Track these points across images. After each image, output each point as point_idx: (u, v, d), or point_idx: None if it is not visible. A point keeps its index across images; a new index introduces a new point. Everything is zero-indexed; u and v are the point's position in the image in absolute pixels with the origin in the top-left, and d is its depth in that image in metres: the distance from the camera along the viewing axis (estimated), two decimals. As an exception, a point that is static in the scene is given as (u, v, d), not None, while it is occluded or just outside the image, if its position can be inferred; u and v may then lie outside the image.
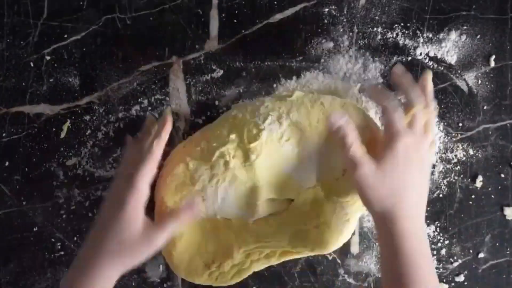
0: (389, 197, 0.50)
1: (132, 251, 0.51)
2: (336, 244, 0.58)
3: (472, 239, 0.64)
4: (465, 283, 0.64)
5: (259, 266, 0.59)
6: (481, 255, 0.64)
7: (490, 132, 0.63)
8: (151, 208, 0.58)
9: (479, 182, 0.63)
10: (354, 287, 0.64)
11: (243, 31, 0.62)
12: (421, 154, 0.52)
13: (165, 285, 0.64)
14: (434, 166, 0.63)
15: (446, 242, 0.64)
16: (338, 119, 0.51)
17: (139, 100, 0.63)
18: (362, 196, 0.52)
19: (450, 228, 0.64)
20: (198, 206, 0.56)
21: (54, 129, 0.63)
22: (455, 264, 0.64)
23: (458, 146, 0.63)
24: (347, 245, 0.62)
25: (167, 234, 0.53)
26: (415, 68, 0.63)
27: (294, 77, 0.63)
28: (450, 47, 0.63)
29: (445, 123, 0.63)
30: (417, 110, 0.52)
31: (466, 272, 0.64)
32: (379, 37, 0.63)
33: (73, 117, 0.63)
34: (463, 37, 0.63)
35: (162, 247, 0.53)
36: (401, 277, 0.49)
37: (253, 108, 0.57)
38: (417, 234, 0.51)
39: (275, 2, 0.62)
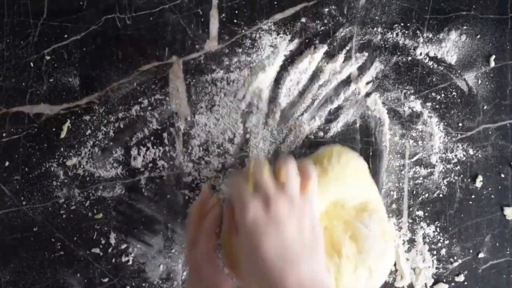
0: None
1: None
2: None
3: (472, 239, 0.64)
4: (465, 283, 0.64)
5: None
6: (481, 255, 0.64)
7: (490, 132, 0.63)
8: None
9: (479, 182, 0.63)
10: None
11: (243, 31, 0.62)
12: (279, 213, 0.46)
13: (165, 285, 0.64)
14: (434, 166, 0.63)
15: (446, 242, 0.64)
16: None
17: (139, 100, 0.63)
18: None
19: (450, 228, 0.64)
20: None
21: (54, 129, 0.63)
22: (455, 264, 0.64)
23: (458, 146, 0.63)
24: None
25: None
26: (415, 68, 0.63)
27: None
28: (450, 47, 0.63)
29: (445, 123, 0.63)
30: (252, 167, 0.49)
31: (466, 272, 0.64)
32: (379, 37, 0.63)
33: (73, 117, 0.63)
34: (463, 37, 0.63)
35: None
36: None
37: None
38: None
39: (275, 2, 0.62)
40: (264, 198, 0.46)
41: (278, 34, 0.63)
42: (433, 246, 0.64)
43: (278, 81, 0.63)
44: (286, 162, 0.49)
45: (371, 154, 0.63)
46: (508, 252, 0.64)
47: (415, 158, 0.63)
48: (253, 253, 0.45)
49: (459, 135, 0.63)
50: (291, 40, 0.63)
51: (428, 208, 0.64)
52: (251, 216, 0.45)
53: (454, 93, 0.63)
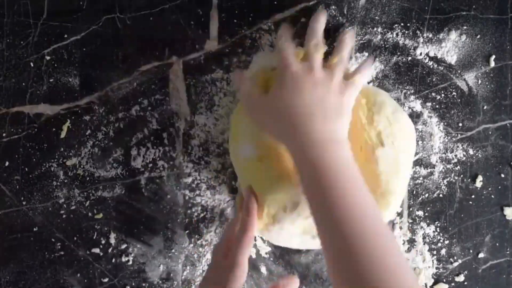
0: (282, 124, 0.50)
1: None
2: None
3: (472, 239, 0.64)
4: (465, 283, 0.64)
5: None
6: (481, 255, 0.64)
7: (490, 132, 0.63)
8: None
9: (479, 182, 0.63)
10: None
11: (243, 31, 0.62)
12: (319, 84, 0.51)
13: (165, 285, 0.64)
14: (434, 166, 0.63)
15: (446, 242, 0.64)
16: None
17: (139, 100, 0.63)
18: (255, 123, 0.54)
19: (450, 228, 0.64)
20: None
21: (54, 129, 0.63)
22: (455, 264, 0.64)
23: (458, 146, 0.63)
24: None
25: None
26: (415, 68, 0.63)
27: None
28: (450, 47, 0.63)
29: (445, 123, 0.63)
30: (309, 48, 0.53)
31: (466, 272, 0.64)
32: (379, 37, 0.63)
33: (73, 117, 0.63)
34: (463, 37, 0.63)
35: None
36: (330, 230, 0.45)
37: None
38: (334, 164, 0.47)
39: (275, 2, 0.62)
40: (309, 66, 0.52)
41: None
42: (433, 246, 0.64)
43: (278, 81, 0.63)
44: (341, 48, 0.54)
45: (371, 154, 0.63)
46: (508, 252, 0.64)
47: (415, 158, 0.63)
48: (286, 106, 0.50)
49: (459, 135, 0.63)
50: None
51: (428, 208, 0.64)
52: (293, 71, 0.51)
53: (454, 93, 0.63)
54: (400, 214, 0.64)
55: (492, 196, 0.64)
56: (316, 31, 0.55)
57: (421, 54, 0.63)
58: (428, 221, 0.64)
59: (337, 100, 0.51)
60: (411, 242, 0.64)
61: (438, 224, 0.64)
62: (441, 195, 0.64)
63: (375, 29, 0.63)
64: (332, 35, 0.63)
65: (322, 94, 0.51)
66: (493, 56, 0.63)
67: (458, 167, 0.63)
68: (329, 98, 0.51)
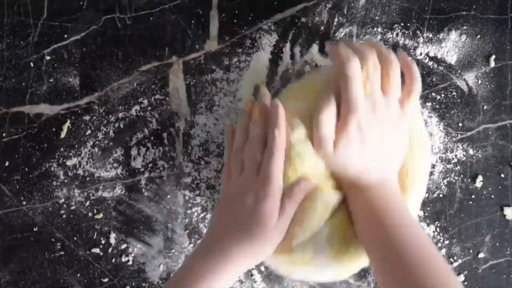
0: (352, 176, 0.49)
1: (264, 244, 0.48)
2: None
3: (472, 239, 0.64)
4: (465, 283, 0.64)
5: None
6: (481, 255, 0.64)
7: (490, 132, 0.63)
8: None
9: (479, 182, 0.63)
10: (354, 287, 0.64)
11: (243, 31, 0.62)
12: (382, 124, 0.48)
13: (165, 285, 0.64)
14: (434, 166, 0.63)
15: (446, 242, 0.64)
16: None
17: (139, 100, 0.63)
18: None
19: (450, 228, 0.64)
20: (311, 184, 0.51)
21: (54, 129, 0.63)
22: (455, 264, 0.64)
23: (458, 146, 0.63)
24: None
25: (288, 219, 0.50)
26: (415, 68, 0.63)
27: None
28: (450, 47, 0.63)
29: (445, 123, 0.63)
30: (369, 70, 0.48)
31: (466, 272, 0.64)
32: (379, 37, 0.63)
33: (73, 117, 0.63)
34: (463, 37, 0.63)
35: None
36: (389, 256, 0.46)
37: None
38: (393, 201, 0.49)
39: (275, 2, 0.62)
40: (373, 103, 0.48)
41: (278, 34, 0.63)
42: (433, 246, 0.64)
43: (278, 81, 0.63)
44: (391, 64, 0.49)
45: (371, 154, 0.63)
46: (508, 252, 0.64)
47: (415, 158, 0.63)
48: (351, 164, 0.49)
49: (459, 135, 0.63)
50: (291, 40, 0.63)
51: (428, 208, 0.64)
52: (359, 119, 0.47)
53: (454, 93, 0.63)
54: (400, 214, 0.64)
55: (492, 196, 0.64)
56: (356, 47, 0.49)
57: (421, 54, 0.63)
58: (428, 221, 0.64)
59: (400, 141, 0.51)
60: (411, 242, 0.64)
61: (438, 224, 0.64)
62: (441, 195, 0.64)
63: (375, 29, 0.63)
64: (332, 36, 0.63)
65: (389, 139, 0.49)
66: (493, 56, 0.63)
67: (458, 167, 0.63)
68: (393, 140, 0.50)
